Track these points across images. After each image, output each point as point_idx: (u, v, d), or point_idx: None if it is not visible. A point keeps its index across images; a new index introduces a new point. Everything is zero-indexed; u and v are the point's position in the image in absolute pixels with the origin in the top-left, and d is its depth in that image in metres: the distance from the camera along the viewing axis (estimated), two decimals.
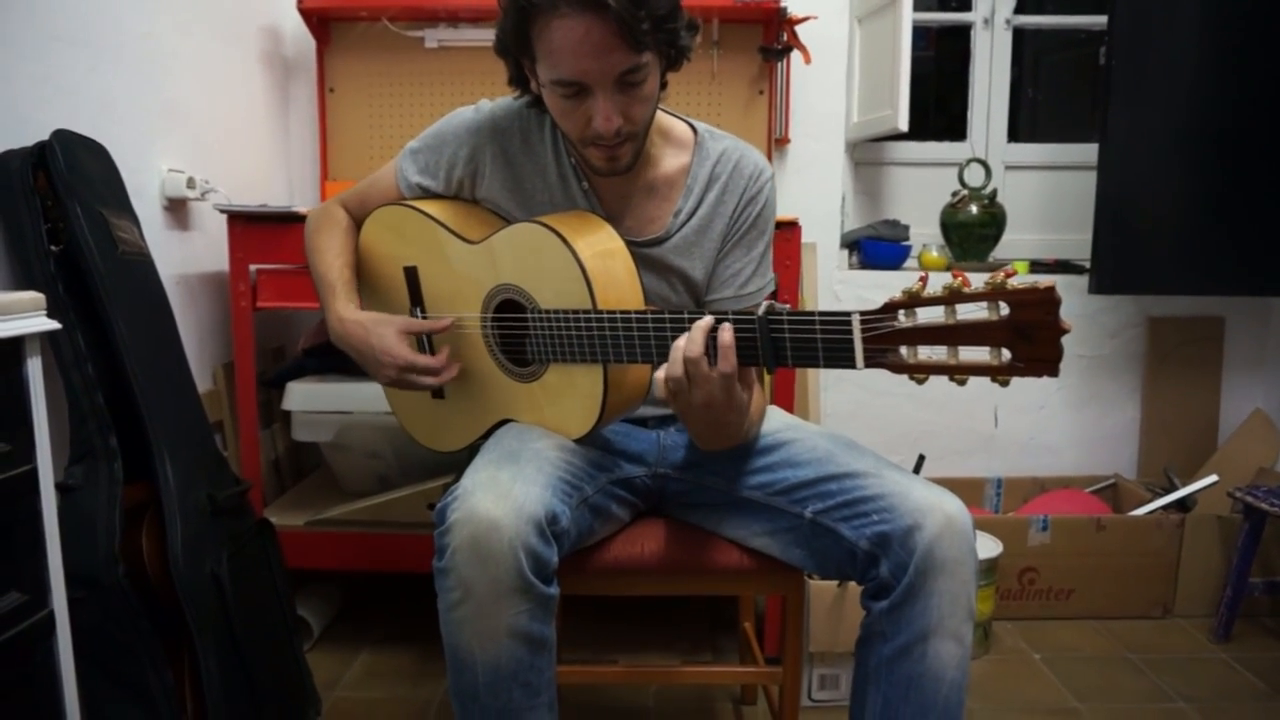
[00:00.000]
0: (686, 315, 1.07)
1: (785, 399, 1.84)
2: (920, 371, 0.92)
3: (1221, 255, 2.27)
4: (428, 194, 1.34)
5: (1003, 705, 1.80)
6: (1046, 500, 2.36)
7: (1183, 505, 2.23)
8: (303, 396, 1.96)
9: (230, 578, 1.44)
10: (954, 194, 2.49)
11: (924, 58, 2.80)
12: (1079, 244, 2.52)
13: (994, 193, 2.47)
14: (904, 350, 0.92)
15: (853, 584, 1.70)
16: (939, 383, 0.95)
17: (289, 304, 1.89)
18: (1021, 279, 0.86)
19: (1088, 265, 2.37)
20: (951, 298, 0.89)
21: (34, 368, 1.03)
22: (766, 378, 1.76)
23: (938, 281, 0.89)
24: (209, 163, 1.97)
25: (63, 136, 1.41)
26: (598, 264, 1.15)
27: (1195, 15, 2.19)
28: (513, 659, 1.05)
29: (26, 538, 1.03)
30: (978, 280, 0.88)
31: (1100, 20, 2.39)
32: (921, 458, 2.31)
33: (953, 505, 1.10)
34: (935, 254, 2.50)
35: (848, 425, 2.44)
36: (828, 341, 0.97)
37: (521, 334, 1.23)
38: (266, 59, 2.29)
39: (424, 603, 2.25)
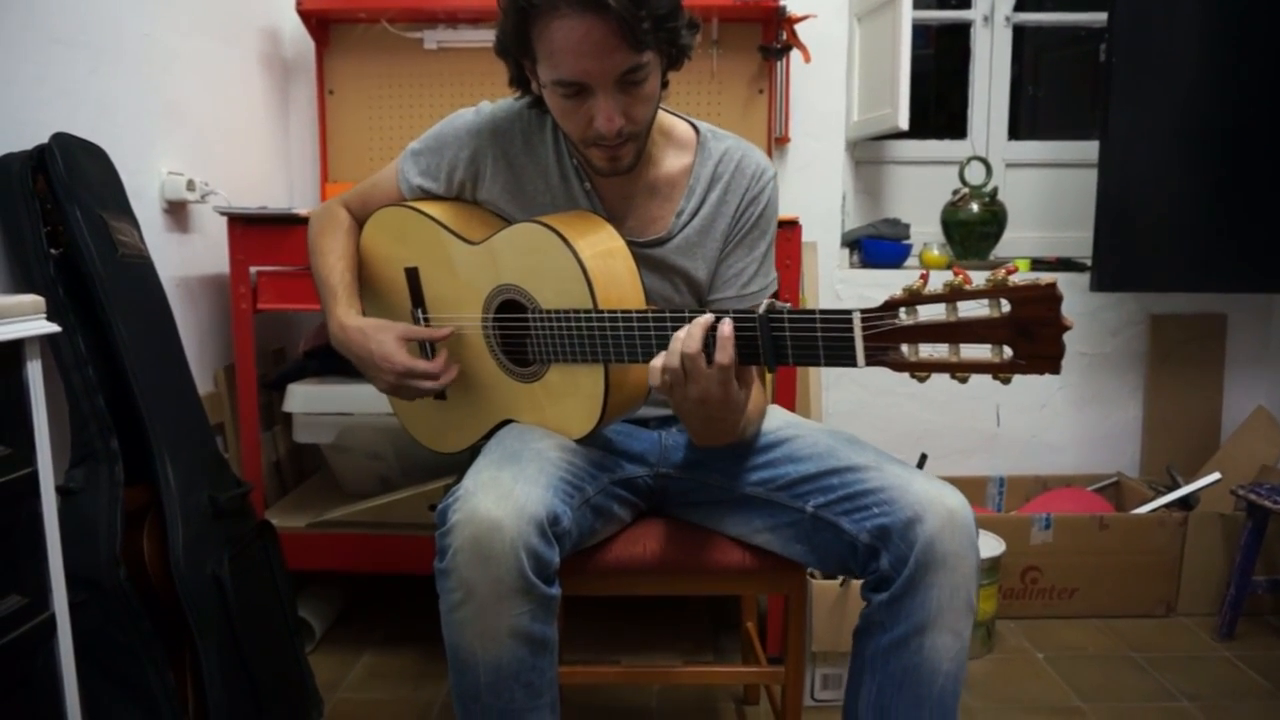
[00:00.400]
0: (688, 314, 1.07)
1: (786, 398, 1.84)
2: (921, 369, 0.92)
3: (1223, 252, 2.27)
4: (429, 195, 1.34)
5: (1006, 704, 1.80)
6: (1049, 499, 2.36)
7: (1185, 503, 2.23)
8: (304, 398, 1.96)
9: (232, 579, 1.44)
10: (955, 192, 2.48)
11: (923, 56, 2.80)
12: (1080, 241, 2.52)
13: (995, 190, 2.46)
14: (905, 348, 0.92)
15: (855, 583, 1.71)
16: (940, 381, 0.95)
17: (289, 306, 1.89)
18: (1023, 276, 0.86)
19: (1089, 263, 2.36)
20: (952, 295, 0.88)
21: (34, 370, 1.03)
22: (768, 377, 1.76)
23: (939, 279, 0.89)
24: (209, 165, 1.97)
25: (62, 139, 1.41)
26: (599, 264, 1.15)
27: (1195, 12, 2.19)
28: (514, 659, 1.05)
29: (27, 540, 1.03)
30: (979, 278, 0.88)
31: (1100, 17, 2.39)
32: (924, 456, 2.31)
33: (954, 499, 1.10)
34: (936, 252, 2.50)
35: (849, 424, 2.44)
36: (828, 339, 0.97)
37: (523, 334, 1.23)
38: (266, 61, 2.29)
39: (426, 604, 2.25)
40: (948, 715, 1.07)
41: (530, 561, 1.02)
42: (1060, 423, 2.50)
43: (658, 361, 1.06)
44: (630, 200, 1.28)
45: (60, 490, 1.27)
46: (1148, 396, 2.48)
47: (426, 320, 1.34)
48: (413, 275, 1.33)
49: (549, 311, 1.18)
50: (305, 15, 2.23)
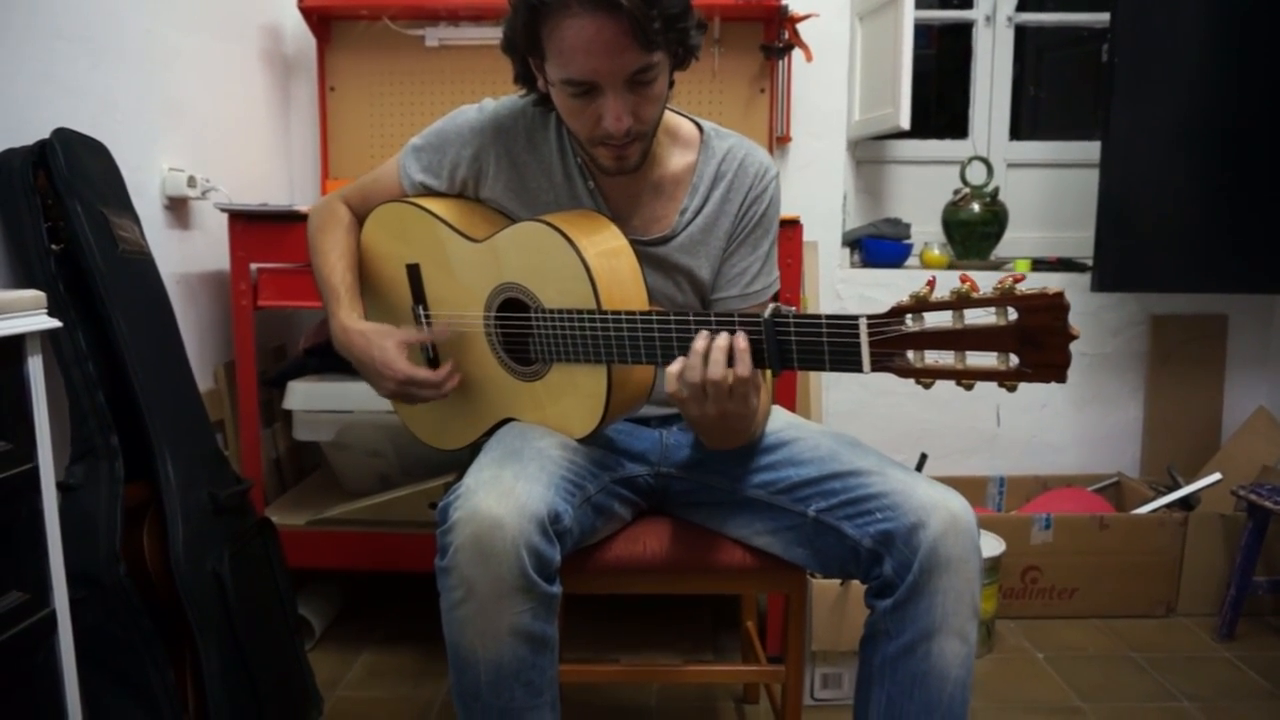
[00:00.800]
0: (692, 316, 1.07)
1: (787, 399, 1.84)
2: (927, 376, 0.92)
3: (1224, 253, 2.27)
4: (431, 192, 1.34)
5: (1006, 704, 1.80)
6: (1049, 499, 2.36)
7: (1186, 504, 2.23)
8: (304, 395, 1.96)
9: (232, 577, 1.43)
10: (956, 192, 2.48)
11: (924, 56, 2.80)
12: (1080, 242, 2.52)
13: (996, 190, 2.46)
14: (911, 354, 0.92)
15: (855, 583, 1.71)
16: (942, 383, 0.94)
17: (290, 303, 1.89)
18: (1030, 285, 0.86)
19: (1090, 263, 2.36)
20: (959, 302, 0.88)
21: (35, 366, 1.03)
22: (768, 377, 1.76)
23: (946, 285, 0.88)
24: (210, 161, 1.97)
25: (63, 135, 1.40)
26: (602, 263, 1.14)
27: (1197, 12, 2.19)
28: (515, 658, 1.05)
29: (27, 537, 1.03)
30: (986, 285, 0.87)
31: (1102, 18, 2.39)
32: (924, 456, 2.31)
33: (957, 503, 1.09)
34: (937, 252, 2.49)
35: (849, 424, 2.44)
36: (834, 345, 0.97)
37: (525, 333, 1.23)
38: (267, 57, 2.29)
39: (425, 602, 2.24)
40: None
41: (531, 560, 1.02)
42: (1061, 423, 2.50)
43: (675, 368, 1.06)
44: (634, 199, 1.27)
45: (60, 486, 1.27)
46: (1148, 397, 2.48)
47: (428, 317, 1.34)
48: (414, 272, 1.33)
49: (552, 310, 1.17)
50: (306, 12, 2.23)
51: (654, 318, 1.10)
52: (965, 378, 0.90)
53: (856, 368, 0.96)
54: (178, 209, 1.87)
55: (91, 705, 1.24)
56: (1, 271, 1.36)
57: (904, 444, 2.42)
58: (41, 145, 1.38)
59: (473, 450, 1.38)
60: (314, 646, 1.99)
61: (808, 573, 1.35)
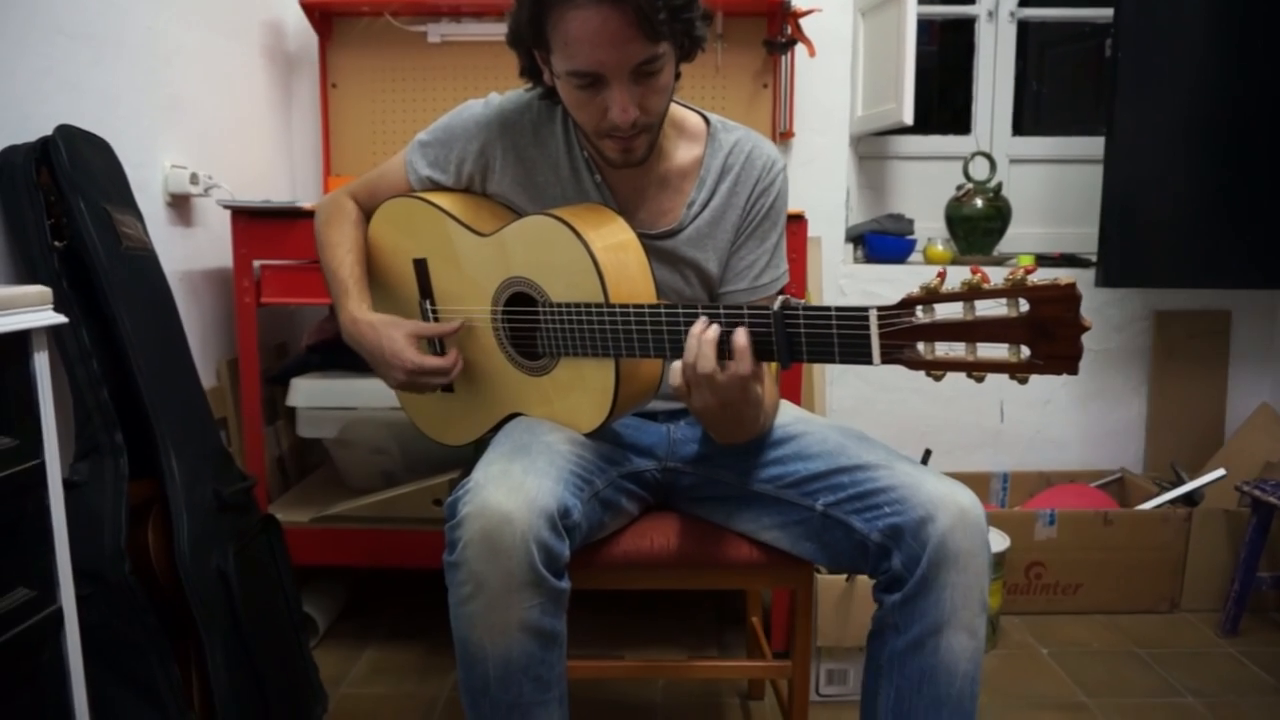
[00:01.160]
0: (700, 310, 1.07)
1: (791, 393, 1.84)
2: (938, 368, 0.91)
3: (1228, 248, 2.27)
4: (438, 187, 1.33)
5: (1010, 700, 1.80)
6: (1052, 495, 2.36)
7: (1190, 499, 2.23)
8: (307, 392, 1.95)
9: (237, 574, 1.43)
10: (959, 187, 2.48)
11: (926, 52, 2.79)
12: (1083, 238, 2.52)
13: (999, 186, 2.46)
14: (921, 346, 0.91)
15: (861, 578, 1.71)
16: (945, 379, 0.94)
17: (293, 300, 1.89)
18: (1042, 275, 0.85)
19: (1093, 259, 2.36)
20: (970, 294, 0.88)
21: (41, 362, 1.02)
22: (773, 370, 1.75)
23: (956, 277, 0.88)
24: (212, 158, 1.96)
25: (66, 131, 1.40)
26: (610, 257, 1.14)
27: (1201, 7, 2.19)
28: (524, 653, 1.04)
29: (34, 533, 1.02)
30: (997, 276, 0.87)
31: (1105, 13, 2.38)
32: (928, 452, 2.30)
33: (966, 498, 1.09)
34: (940, 248, 2.49)
35: (852, 420, 2.42)
36: (844, 337, 0.97)
37: (532, 327, 1.22)
38: (269, 54, 2.28)
39: (429, 599, 2.25)
40: (966, 715, 1.07)
41: (541, 554, 1.02)
42: (1064, 419, 2.49)
43: (678, 364, 1.06)
44: (641, 192, 1.27)
45: (64, 484, 1.26)
46: (1152, 393, 2.48)
47: (435, 312, 1.34)
48: (421, 267, 1.32)
49: (559, 304, 1.17)
50: (308, 8, 2.22)
51: (662, 311, 1.09)
52: (976, 370, 0.89)
53: (866, 360, 0.95)
54: (180, 206, 1.86)
55: (97, 702, 1.24)
56: (5, 268, 1.36)
57: (908, 440, 2.42)
58: (44, 142, 1.37)
59: (477, 446, 1.38)
60: (318, 643, 1.98)
61: (815, 568, 1.34)
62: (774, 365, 1.08)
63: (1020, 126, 2.66)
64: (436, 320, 1.33)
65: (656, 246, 1.25)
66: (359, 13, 2.28)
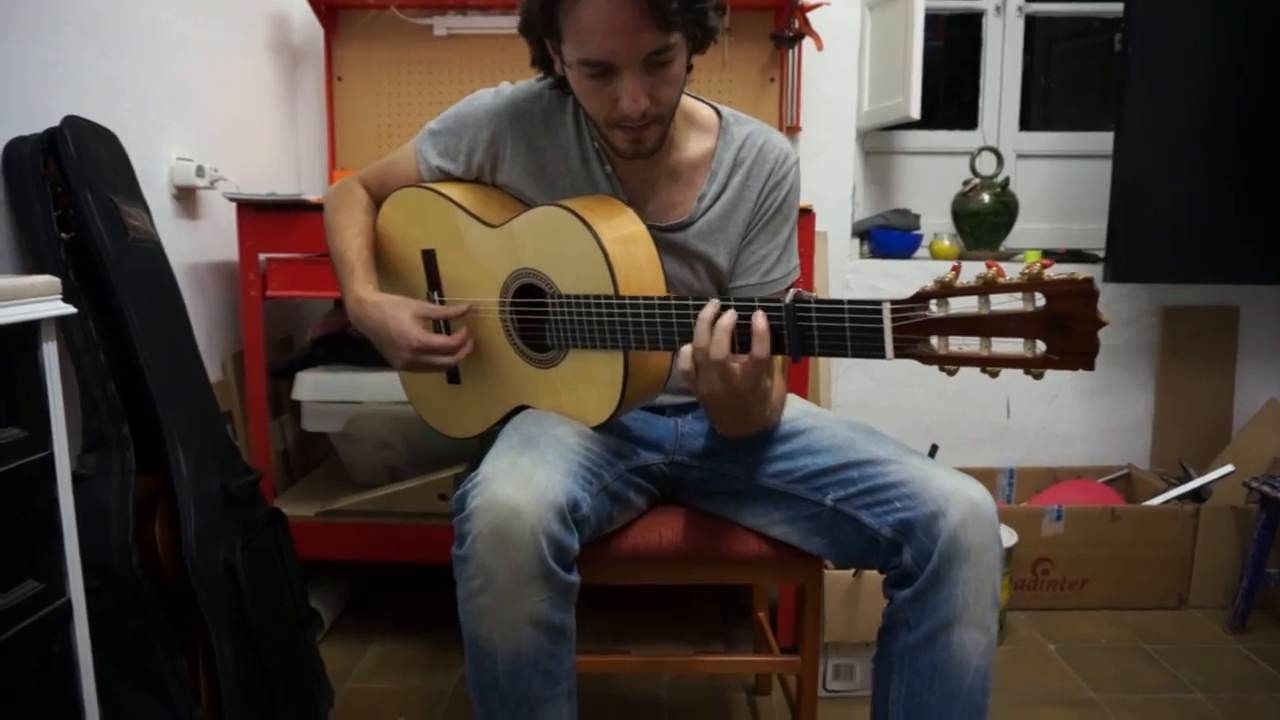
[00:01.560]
0: (710, 303, 1.06)
1: (798, 387, 1.83)
2: (952, 363, 0.90)
3: (1236, 244, 2.26)
4: (447, 177, 1.33)
5: (1018, 695, 1.79)
6: (1059, 491, 2.35)
7: (1197, 495, 2.22)
8: (313, 386, 1.95)
9: (244, 567, 1.42)
10: (965, 183, 2.47)
11: (932, 48, 2.78)
12: (1090, 233, 2.51)
13: (1006, 181, 2.45)
14: (935, 341, 0.90)
15: (868, 573, 1.70)
16: (959, 372, 0.93)
17: (298, 293, 1.87)
18: (1058, 270, 0.84)
19: (1100, 254, 2.35)
20: (986, 288, 0.87)
21: (49, 352, 1.01)
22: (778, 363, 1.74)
23: (971, 271, 0.87)
24: (217, 151, 1.96)
25: (73, 122, 1.39)
26: (620, 249, 1.13)
27: (1211, 2, 2.17)
28: (533, 647, 1.04)
29: (43, 525, 1.02)
30: (1013, 271, 0.86)
31: (1113, 8, 2.37)
32: (934, 448, 2.30)
33: (977, 492, 1.09)
34: (947, 243, 2.48)
35: (858, 415, 2.41)
36: (857, 330, 0.95)
37: (540, 319, 1.22)
38: (274, 47, 2.27)
39: (434, 593, 2.25)
40: (979, 712, 1.06)
41: (551, 548, 1.01)
42: (1071, 414, 2.49)
43: (688, 348, 1.04)
44: (651, 184, 1.26)
45: (71, 476, 1.26)
46: (1159, 388, 2.47)
47: (443, 303, 1.33)
48: (429, 257, 1.32)
49: (569, 296, 1.16)
50: (314, 1, 2.21)
51: (672, 304, 1.09)
52: (990, 364, 0.88)
53: (879, 354, 0.94)
54: (186, 198, 1.86)
55: (104, 695, 1.23)
56: (12, 259, 1.35)
57: (914, 435, 2.41)
58: (51, 133, 1.37)
59: (482, 439, 1.38)
60: (323, 638, 1.98)
61: (823, 562, 1.34)
62: (779, 359, 1.07)
63: (1027, 122, 2.66)
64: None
65: (666, 239, 1.24)
66: (364, 5, 2.27)
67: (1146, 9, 2.18)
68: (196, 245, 1.89)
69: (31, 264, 1.35)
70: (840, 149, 2.46)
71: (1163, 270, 2.29)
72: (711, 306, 1.03)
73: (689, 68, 1.16)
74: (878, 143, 2.62)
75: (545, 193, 1.27)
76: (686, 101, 1.26)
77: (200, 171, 1.82)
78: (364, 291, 1.28)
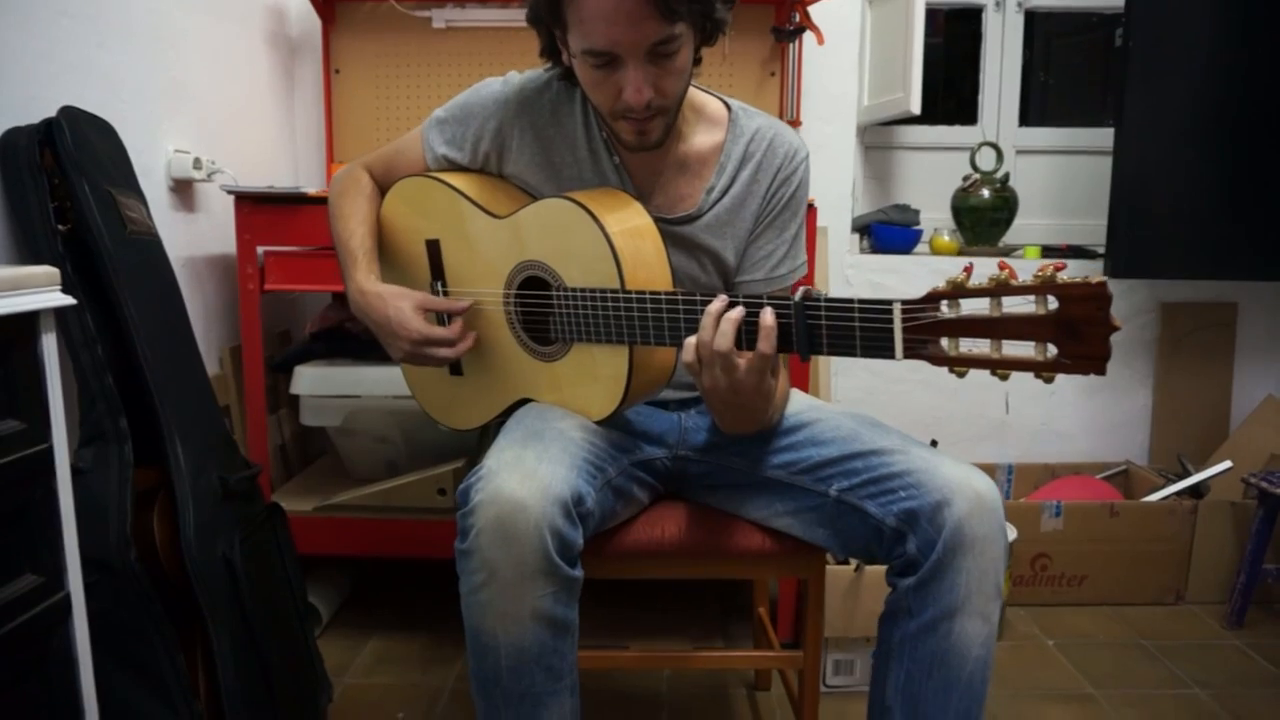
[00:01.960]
0: (718, 298, 1.05)
1: (800, 383, 1.82)
2: (962, 365, 0.89)
3: (1235, 240, 2.26)
4: (454, 166, 1.32)
5: (1017, 691, 1.79)
6: (1058, 486, 2.35)
7: (1196, 491, 2.22)
8: (311, 380, 1.94)
9: (242, 562, 1.42)
10: (965, 178, 2.47)
11: (931, 44, 2.77)
12: (1090, 229, 2.51)
13: (1005, 177, 2.45)
14: (945, 342, 0.89)
15: (869, 568, 1.70)
16: (969, 374, 0.92)
17: (297, 286, 1.87)
18: (1071, 273, 0.84)
19: (1100, 250, 2.35)
20: (998, 289, 0.86)
21: (48, 344, 1.00)
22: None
23: (983, 272, 0.86)
24: (214, 143, 1.94)
25: (70, 113, 1.38)
26: (627, 242, 1.12)
27: None
28: (536, 642, 1.03)
29: (42, 519, 1.01)
30: (1025, 273, 0.85)
31: (1114, 2, 2.37)
32: (933, 443, 2.30)
33: (982, 483, 1.08)
34: (946, 238, 2.48)
35: (859, 410, 2.43)
36: (866, 330, 0.95)
37: (545, 312, 1.21)
38: (271, 39, 2.26)
39: (433, 588, 2.24)
40: (977, 701, 1.06)
41: (554, 542, 1.01)
42: (1070, 410, 2.49)
43: (693, 339, 1.04)
44: (659, 176, 1.25)
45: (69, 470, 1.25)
46: (1158, 385, 2.47)
47: (446, 294, 1.32)
48: (433, 247, 1.31)
49: (574, 289, 1.16)
50: None
51: (679, 298, 1.08)
52: (1001, 367, 0.88)
53: (888, 354, 0.93)
54: (183, 191, 1.84)
55: (102, 689, 1.22)
56: (8, 252, 1.34)
57: (913, 431, 2.35)
58: (48, 124, 1.35)
59: (482, 433, 1.37)
60: (322, 633, 1.97)
61: (825, 557, 1.34)
62: (782, 358, 1.07)
63: (1027, 117, 2.65)
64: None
65: (673, 232, 1.23)
66: None
67: (1147, 4, 2.18)
68: (194, 238, 1.88)
69: (28, 256, 1.33)
70: (840, 144, 2.46)
71: (1162, 266, 2.29)
72: (719, 301, 1.02)
73: (697, 60, 1.16)
74: (878, 138, 2.61)
75: (552, 183, 1.26)
76: (695, 94, 1.25)
77: (198, 164, 1.81)
78: (366, 282, 1.27)
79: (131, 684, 1.29)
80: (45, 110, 1.36)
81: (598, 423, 1.20)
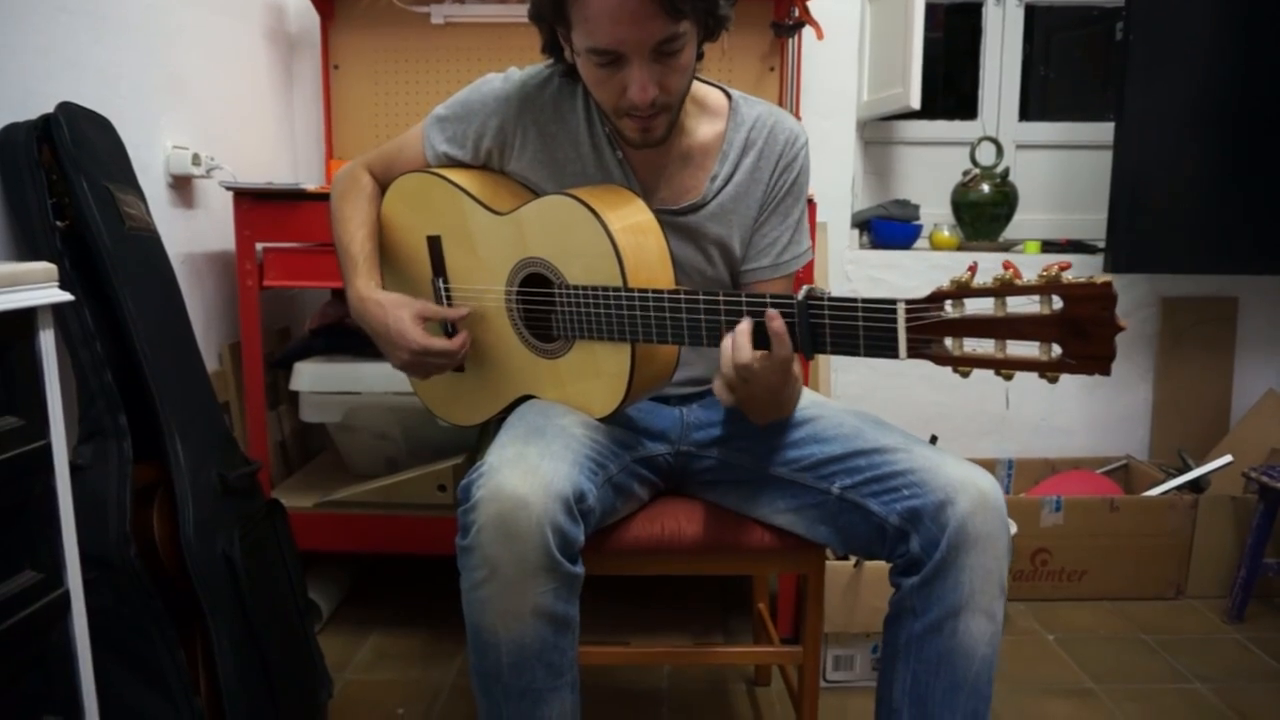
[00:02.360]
0: (721, 297, 1.05)
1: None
2: (966, 364, 0.89)
3: (1236, 235, 2.26)
4: (455, 163, 1.31)
5: (1018, 686, 1.79)
6: (1058, 481, 2.35)
7: (1196, 486, 2.22)
8: (311, 377, 1.94)
9: (242, 558, 1.41)
10: (965, 173, 2.46)
11: (930, 39, 2.76)
12: (1090, 224, 2.51)
13: (1005, 172, 2.44)
14: (949, 342, 0.89)
15: (869, 564, 1.70)
16: (972, 373, 0.92)
17: (296, 283, 1.87)
18: (1077, 273, 0.83)
19: (1100, 245, 2.35)
20: (1002, 289, 0.86)
21: (46, 340, 1.00)
22: None
23: (987, 271, 0.85)
24: (213, 139, 1.94)
25: (68, 109, 1.37)
26: (629, 239, 1.12)
27: None
28: (538, 639, 1.04)
29: (41, 515, 1.01)
30: (1030, 272, 0.85)
31: None
32: (934, 439, 2.29)
33: (985, 481, 1.08)
34: (946, 234, 2.48)
35: (859, 406, 2.41)
36: (870, 329, 0.94)
37: (547, 309, 1.21)
38: (270, 35, 2.25)
39: (433, 584, 2.24)
40: (984, 700, 1.06)
41: (556, 539, 1.00)
42: (1070, 405, 2.49)
43: (719, 382, 1.05)
44: (663, 170, 1.25)
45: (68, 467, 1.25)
46: (1158, 379, 2.47)
47: (447, 291, 1.32)
48: (435, 244, 1.30)
49: (577, 287, 1.15)
50: None
51: (682, 296, 1.08)
52: (1005, 367, 0.87)
53: (892, 353, 0.93)
54: (182, 187, 1.84)
55: (102, 686, 1.22)
56: (6, 248, 1.33)
57: (913, 426, 2.36)
58: (46, 119, 1.35)
59: (482, 429, 1.37)
60: (322, 629, 1.97)
61: (825, 552, 1.34)
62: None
63: (1027, 112, 2.65)
64: (449, 298, 1.32)
65: (679, 223, 1.23)
66: None
67: None
68: (193, 235, 1.87)
69: (27, 253, 1.33)
70: (840, 139, 2.45)
71: (1162, 261, 2.29)
72: (728, 339, 1.03)
73: (700, 56, 1.15)
74: (877, 133, 2.61)
75: (555, 179, 1.26)
76: (696, 86, 1.24)
77: (196, 160, 1.80)
78: (366, 289, 1.27)
79: (131, 680, 1.29)
80: (43, 106, 1.36)
81: (600, 420, 1.20)
